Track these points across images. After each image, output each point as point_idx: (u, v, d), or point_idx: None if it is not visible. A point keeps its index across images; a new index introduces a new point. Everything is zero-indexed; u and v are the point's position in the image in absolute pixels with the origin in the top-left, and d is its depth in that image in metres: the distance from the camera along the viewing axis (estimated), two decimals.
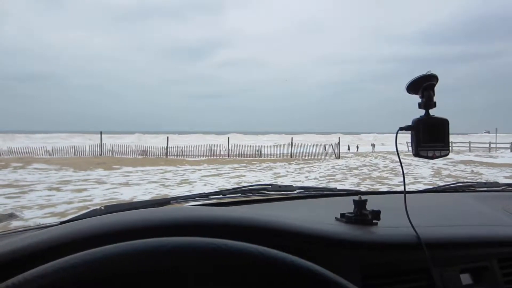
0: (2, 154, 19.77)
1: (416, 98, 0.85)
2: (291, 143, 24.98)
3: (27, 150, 20.51)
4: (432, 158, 0.84)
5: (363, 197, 0.89)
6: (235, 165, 17.00)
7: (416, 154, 0.84)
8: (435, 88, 0.83)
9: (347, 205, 0.93)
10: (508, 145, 30.12)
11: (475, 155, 22.87)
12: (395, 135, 0.85)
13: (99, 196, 8.11)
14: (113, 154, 21.59)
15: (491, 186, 1.57)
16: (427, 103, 0.82)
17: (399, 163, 0.91)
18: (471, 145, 32.98)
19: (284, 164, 18.13)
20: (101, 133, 22.45)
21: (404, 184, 0.89)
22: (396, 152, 0.89)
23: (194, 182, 10.93)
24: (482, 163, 17.20)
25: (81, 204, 7.00)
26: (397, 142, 0.87)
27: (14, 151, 20.22)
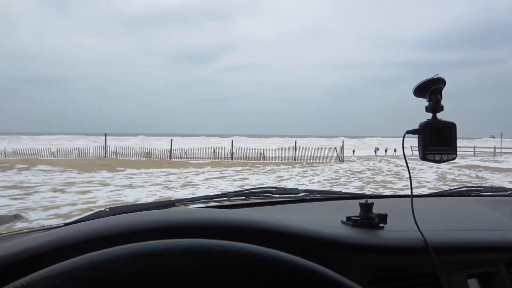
0: (7, 155, 19.91)
1: (422, 102, 0.84)
2: (295, 146, 24.97)
3: (31, 152, 20.64)
4: (439, 162, 0.83)
5: (369, 201, 0.89)
6: (239, 168, 17.01)
7: (423, 157, 0.83)
8: (442, 92, 0.82)
9: (352, 209, 0.92)
10: None
11: (480, 160, 22.74)
12: (401, 138, 0.85)
13: (103, 198, 8.14)
14: (117, 156, 21.69)
15: (497, 191, 1.56)
16: (435, 106, 0.82)
17: (402, 167, 0.90)
18: (476, 150, 32.84)
19: (288, 167, 18.12)
20: (105, 135, 22.55)
21: (411, 188, 0.89)
22: (403, 156, 0.88)
23: (197, 184, 10.94)
24: (487, 168, 17.09)
25: (85, 206, 7.03)
26: (403, 146, 0.87)
27: (19, 153, 20.36)
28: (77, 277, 0.37)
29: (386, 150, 37.73)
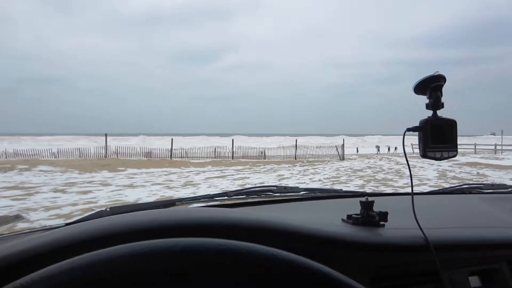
0: (8, 156, 19.90)
1: (422, 99, 0.84)
2: (296, 145, 24.94)
3: (32, 152, 20.63)
4: (440, 159, 0.83)
5: (370, 199, 0.88)
6: (240, 167, 16.99)
7: (424, 155, 0.83)
8: (443, 89, 0.82)
9: (353, 207, 0.92)
10: None
11: (481, 157, 22.67)
12: (402, 136, 0.85)
13: (104, 198, 8.14)
14: (118, 156, 21.67)
15: (498, 188, 1.56)
16: (435, 103, 0.82)
17: (403, 165, 0.90)
18: (477, 147, 32.79)
19: (288, 166, 18.11)
20: (106, 135, 22.53)
21: (412, 186, 0.89)
22: (404, 154, 0.88)
23: (198, 184, 10.93)
24: (488, 165, 17.05)
25: (86, 206, 7.03)
26: (404, 144, 0.87)
27: (20, 153, 20.35)
28: (75, 277, 0.37)
29: (389, 148, 37.56)
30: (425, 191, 1.67)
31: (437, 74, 0.80)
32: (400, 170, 15.14)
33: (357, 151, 35.28)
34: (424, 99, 0.84)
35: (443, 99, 0.82)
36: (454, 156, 0.84)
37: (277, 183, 9.70)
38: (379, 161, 21.65)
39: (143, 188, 9.95)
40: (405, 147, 0.88)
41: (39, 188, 9.52)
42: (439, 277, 0.77)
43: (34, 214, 6.22)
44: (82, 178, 11.94)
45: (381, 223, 0.85)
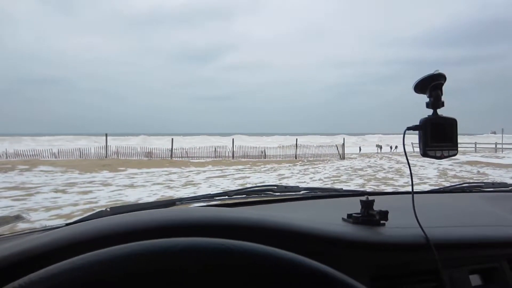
0: (9, 156, 19.91)
1: (423, 98, 0.84)
2: (296, 144, 24.93)
3: (33, 153, 20.65)
4: (440, 158, 0.83)
5: (370, 198, 0.88)
6: (240, 167, 16.99)
7: (424, 154, 0.83)
8: (443, 88, 0.82)
9: (353, 206, 0.92)
10: None
11: (481, 156, 22.65)
12: (402, 135, 0.85)
13: (104, 198, 8.14)
14: (118, 156, 21.66)
15: (499, 187, 1.56)
16: (435, 102, 0.81)
17: (403, 164, 0.90)
18: (477, 146, 32.77)
19: (289, 166, 18.11)
20: (106, 135, 22.52)
21: (412, 184, 0.88)
22: (404, 152, 0.88)
23: (199, 183, 10.93)
24: (488, 164, 17.03)
25: (86, 206, 7.03)
26: (404, 142, 0.87)
27: (21, 154, 20.36)
28: (75, 277, 0.37)
29: (391, 147, 37.31)
30: (425, 190, 1.67)
31: (437, 72, 0.80)
32: (401, 169, 15.13)
33: (360, 150, 35.22)
34: (424, 98, 0.84)
35: (443, 98, 0.81)
36: (454, 155, 0.84)
37: (277, 183, 9.69)
38: (380, 160, 21.63)
39: (144, 188, 9.96)
40: (405, 146, 0.88)
41: (40, 188, 9.52)
42: (439, 276, 0.77)
43: (35, 214, 6.23)
44: (83, 178, 11.94)
45: (382, 222, 0.85)
